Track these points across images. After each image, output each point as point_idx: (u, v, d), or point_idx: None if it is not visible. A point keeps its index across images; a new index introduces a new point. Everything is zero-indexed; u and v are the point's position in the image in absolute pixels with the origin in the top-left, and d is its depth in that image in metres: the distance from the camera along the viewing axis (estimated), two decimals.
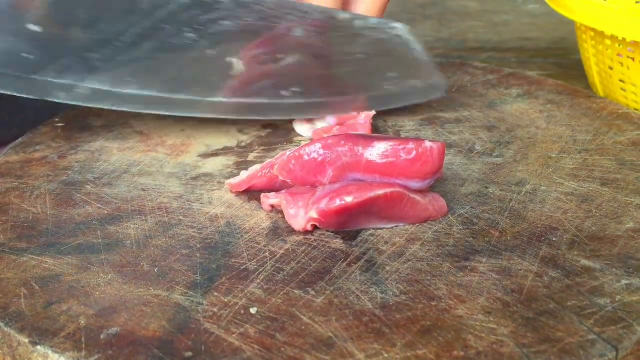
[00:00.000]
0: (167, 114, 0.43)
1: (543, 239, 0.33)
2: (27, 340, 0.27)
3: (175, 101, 0.42)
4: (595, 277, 0.30)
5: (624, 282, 0.29)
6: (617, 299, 0.28)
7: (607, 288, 0.29)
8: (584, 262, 0.31)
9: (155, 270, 0.31)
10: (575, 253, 0.31)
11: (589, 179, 0.38)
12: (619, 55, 0.49)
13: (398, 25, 0.46)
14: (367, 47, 0.45)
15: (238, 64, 0.43)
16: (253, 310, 0.28)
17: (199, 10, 0.42)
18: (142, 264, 0.31)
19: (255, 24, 0.43)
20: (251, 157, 0.42)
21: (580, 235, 0.33)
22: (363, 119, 0.43)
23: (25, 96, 0.40)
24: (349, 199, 0.32)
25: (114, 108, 0.42)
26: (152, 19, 0.41)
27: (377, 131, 0.44)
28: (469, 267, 0.31)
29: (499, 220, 0.34)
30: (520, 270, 0.30)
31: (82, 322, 0.28)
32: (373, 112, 0.44)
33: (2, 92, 0.39)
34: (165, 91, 0.42)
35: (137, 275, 0.31)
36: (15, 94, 0.40)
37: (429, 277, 0.30)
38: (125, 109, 0.42)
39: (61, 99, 0.40)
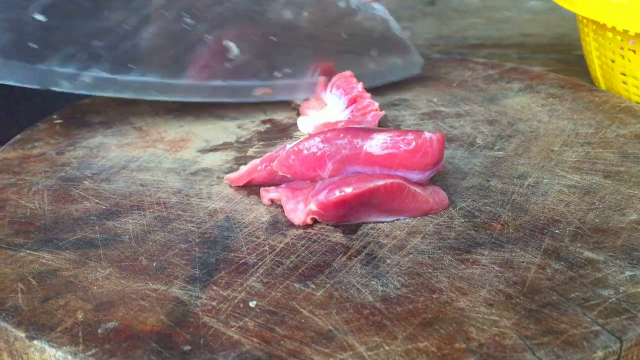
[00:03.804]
0: (166, 99, 0.43)
1: (545, 231, 0.32)
2: (23, 335, 0.27)
3: (174, 86, 0.43)
4: (598, 269, 0.29)
5: (627, 273, 0.29)
6: (620, 290, 0.28)
7: (611, 279, 0.29)
8: (587, 254, 0.30)
9: (154, 264, 0.31)
10: (578, 245, 0.31)
11: (592, 171, 0.38)
12: (620, 48, 0.48)
13: (377, 5, 0.48)
14: (351, 27, 0.47)
15: (234, 47, 0.43)
16: (252, 304, 0.28)
17: None
18: (140, 258, 0.31)
19: (249, 8, 0.43)
20: (250, 152, 0.42)
21: (583, 227, 0.32)
22: (371, 117, 0.43)
23: (29, 86, 0.40)
24: (348, 190, 0.32)
25: (114, 95, 0.42)
26: (150, 5, 0.41)
27: (377, 125, 0.44)
28: (471, 260, 0.30)
29: (501, 213, 0.34)
30: (523, 262, 0.30)
31: (80, 316, 0.27)
32: (382, 113, 0.43)
33: (5, 82, 0.39)
34: (166, 77, 0.42)
35: (135, 269, 0.30)
36: (18, 84, 0.40)
37: (430, 270, 0.30)
38: (126, 96, 0.42)
39: (64, 87, 0.41)
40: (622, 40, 0.48)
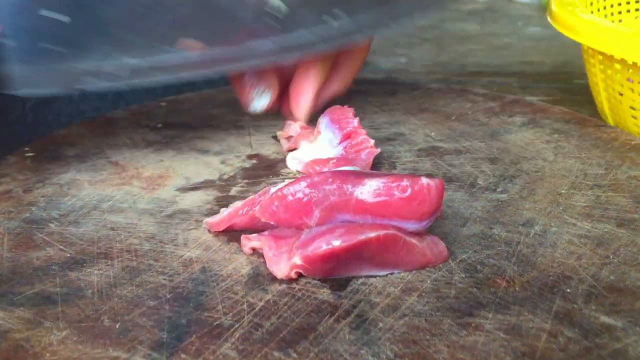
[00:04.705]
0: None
1: (555, 290, 0.29)
2: None
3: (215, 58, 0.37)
4: (617, 338, 0.26)
5: None
6: None
7: (632, 351, 0.25)
8: (604, 318, 0.27)
9: (117, 325, 0.27)
10: (593, 307, 0.28)
11: (604, 218, 0.34)
12: (629, 80, 0.46)
13: None
14: None
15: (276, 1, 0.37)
16: None
17: None
18: (102, 318, 0.28)
19: None
20: (233, 191, 0.39)
21: (598, 285, 0.29)
22: (365, 155, 0.40)
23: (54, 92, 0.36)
24: (336, 243, 0.29)
25: (152, 81, 0.36)
26: None
27: (372, 162, 0.41)
28: (473, 324, 0.27)
29: (506, 267, 0.31)
30: (532, 328, 0.27)
31: None
32: (378, 150, 0.40)
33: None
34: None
35: (95, 332, 0.27)
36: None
37: (427, 337, 0.26)
38: (162, 79, 0.36)
39: (90, 85, 0.35)
40: (631, 72, 0.45)
